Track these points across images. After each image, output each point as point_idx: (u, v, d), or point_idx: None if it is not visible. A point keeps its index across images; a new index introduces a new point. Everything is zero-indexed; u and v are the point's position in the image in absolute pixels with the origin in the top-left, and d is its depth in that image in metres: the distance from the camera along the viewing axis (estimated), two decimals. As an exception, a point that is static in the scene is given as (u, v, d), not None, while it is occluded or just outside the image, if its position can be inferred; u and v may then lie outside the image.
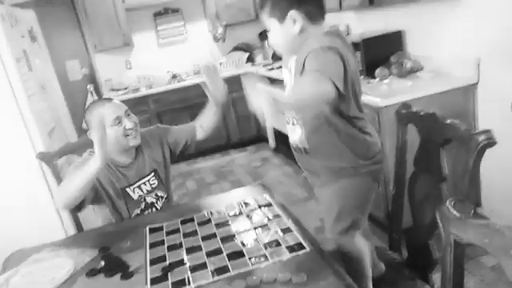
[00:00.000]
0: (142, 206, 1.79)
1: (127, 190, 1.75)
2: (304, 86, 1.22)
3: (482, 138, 1.12)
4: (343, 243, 1.48)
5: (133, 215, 1.77)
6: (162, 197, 1.83)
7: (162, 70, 4.86)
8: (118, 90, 4.71)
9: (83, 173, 1.46)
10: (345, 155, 1.42)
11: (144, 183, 1.79)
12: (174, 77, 4.85)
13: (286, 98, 1.23)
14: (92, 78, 4.85)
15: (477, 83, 2.28)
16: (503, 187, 2.18)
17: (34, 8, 3.11)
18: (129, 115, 1.71)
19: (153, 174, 1.81)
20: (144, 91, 4.54)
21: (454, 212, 0.76)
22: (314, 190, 1.62)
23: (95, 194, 1.67)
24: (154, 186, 1.81)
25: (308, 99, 1.21)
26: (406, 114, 1.47)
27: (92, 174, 1.44)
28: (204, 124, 1.88)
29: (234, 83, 4.66)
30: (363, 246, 1.50)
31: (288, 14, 1.32)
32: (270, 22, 1.38)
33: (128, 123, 1.68)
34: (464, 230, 0.75)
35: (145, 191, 1.79)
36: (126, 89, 4.71)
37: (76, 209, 1.67)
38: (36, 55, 2.74)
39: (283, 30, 1.36)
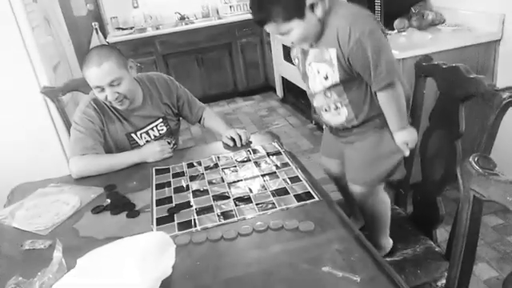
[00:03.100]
0: None
1: (133, 135, 1.72)
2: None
3: (506, 94, 1.07)
4: (369, 194, 1.48)
5: None
6: (169, 142, 1.78)
7: (170, 10, 4.69)
8: (123, 29, 4.56)
9: (116, 162, 1.60)
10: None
11: (152, 129, 1.75)
12: (182, 18, 4.69)
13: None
14: (97, 15, 4.68)
15: (499, 40, 2.18)
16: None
17: None
18: (113, 86, 1.55)
19: (161, 120, 1.78)
20: (150, 32, 4.41)
21: (477, 168, 0.73)
22: (344, 150, 1.58)
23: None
24: (162, 132, 1.78)
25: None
26: (426, 67, 1.41)
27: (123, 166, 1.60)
28: (206, 126, 1.90)
29: (243, 28, 4.52)
30: (387, 199, 1.51)
31: (306, 4, 1.25)
32: (290, 25, 1.28)
33: (109, 95, 1.56)
34: (486, 187, 0.72)
35: (152, 137, 1.75)
36: (131, 28, 4.56)
37: None
38: (40, -15, 2.61)
39: (307, 23, 1.29)
